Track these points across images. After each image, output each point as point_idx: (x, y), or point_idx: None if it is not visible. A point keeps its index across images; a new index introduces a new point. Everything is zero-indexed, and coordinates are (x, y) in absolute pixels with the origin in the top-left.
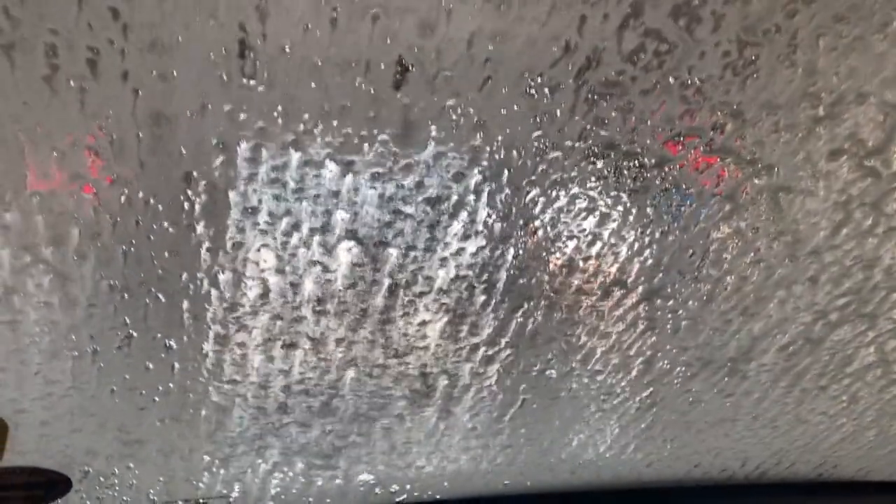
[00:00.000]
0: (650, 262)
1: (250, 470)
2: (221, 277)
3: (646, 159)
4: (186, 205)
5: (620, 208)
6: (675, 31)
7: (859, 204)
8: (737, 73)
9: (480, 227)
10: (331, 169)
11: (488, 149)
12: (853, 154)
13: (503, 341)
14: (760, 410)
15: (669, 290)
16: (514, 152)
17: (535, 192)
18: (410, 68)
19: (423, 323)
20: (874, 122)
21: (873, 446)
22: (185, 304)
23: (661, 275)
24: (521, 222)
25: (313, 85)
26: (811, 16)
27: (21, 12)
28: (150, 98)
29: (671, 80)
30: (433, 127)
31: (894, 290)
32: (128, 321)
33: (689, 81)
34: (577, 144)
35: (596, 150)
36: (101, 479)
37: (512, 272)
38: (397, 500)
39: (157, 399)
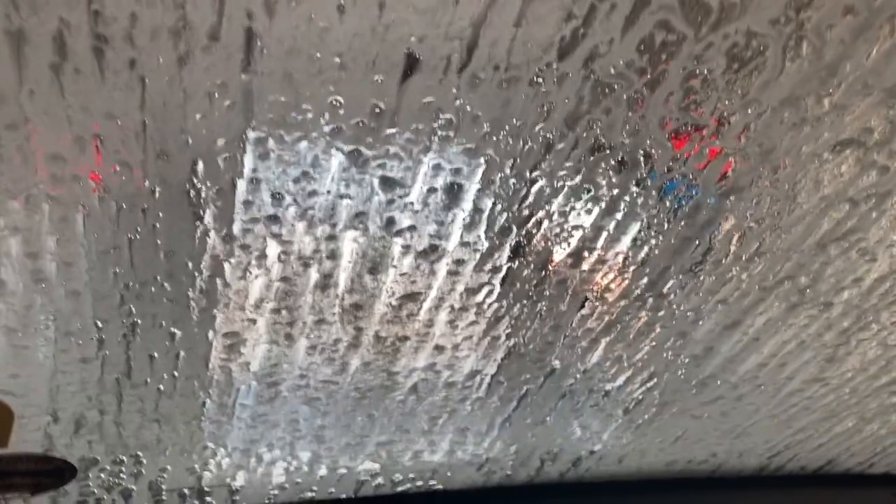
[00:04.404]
0: (654, 253)
1: (254, 459)
2: (227, 266)
3: (651, 149)
4: (193, 193)
5: (626, 199)
6: (683, 22)
7: (865, 196)
8: (744, 64)
9: (485, 217)
10: (337, 159)
11: (494, 138)
12: (859, 146)
13: (505, 332)
14: (761, 403)
15: (673, 281)
16: (521, 142)
17: (541, 182)
18: (418, 57)
19: (425, 313)
20: (880, 114)
21: (876, 439)
22: (191, 293)
23: (665, 266)
24: (526, 212)
25: (320, 73)
26: (820, 7)
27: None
28: (156, 86)
29: (679, 70)
30: (441, 116)
31: None
32: (133, 309)
33: (697, 72)
34: (583, 134)
35: (602, 140)
36: (107, 467)
37: (515, 262)
38: (399, 489)
39: (161, 388)
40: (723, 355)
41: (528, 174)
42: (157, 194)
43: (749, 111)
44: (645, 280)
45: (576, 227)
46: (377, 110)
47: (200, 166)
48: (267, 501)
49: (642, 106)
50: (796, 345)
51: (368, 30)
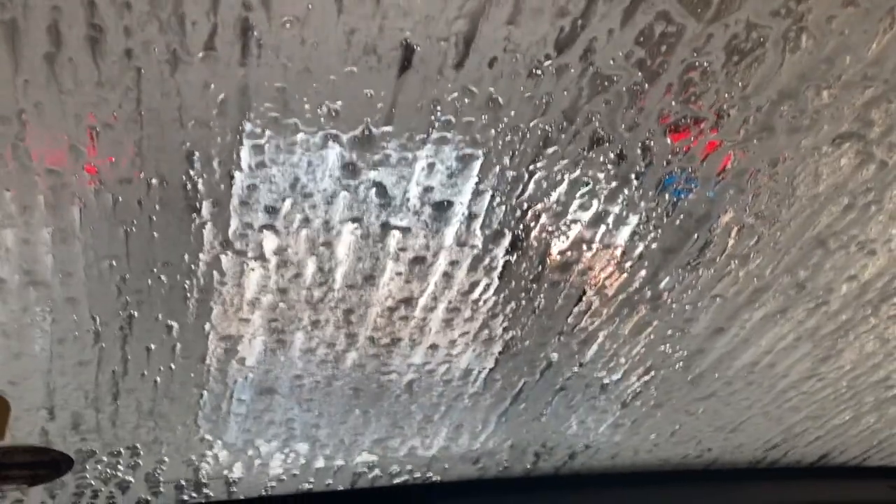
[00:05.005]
0: (653, 247)
1: (251, 451)
2: (223, 259)
3: (650, 142)
4: (189, 185)
5: (625, 192)
6: (683, 13)
7: (864, 190)
8: (744, 56)
9: (483, 211)
10: (334, 151)
11: (493, 131)
12: (859, 140)
13: (503, 326)
14: (757, 397)
15: (671, 275)
16: (519, 134)
17: (539, 175)
18: (416, 49)
19: (422, 309)
20: (880, 108)
21: (873, 432)
22: (187, 285)
23: (663, 260)
24: (524, 206)
25: (317, 65)
26: None
27: None
28: (152, 77)
29: (678, 62)
30: (438, 108)
31: None
32: (129, 301)
33: (696, 64)
34: (582, 127)
35: (601, 132)
36: (104, 459)
37: (513, 256)
38: (396, 481)
39: (158, 380)
40: (720, 350)
41: (526, 167)
42: (152, 186)
43: (749, 104)
44: (643, 274)
45: (574, 221)
46: (374, 101)
47: (196, 157)
48: (264, 493)
49: (641, 99)
50: (794, 339)
51: (366, 20)
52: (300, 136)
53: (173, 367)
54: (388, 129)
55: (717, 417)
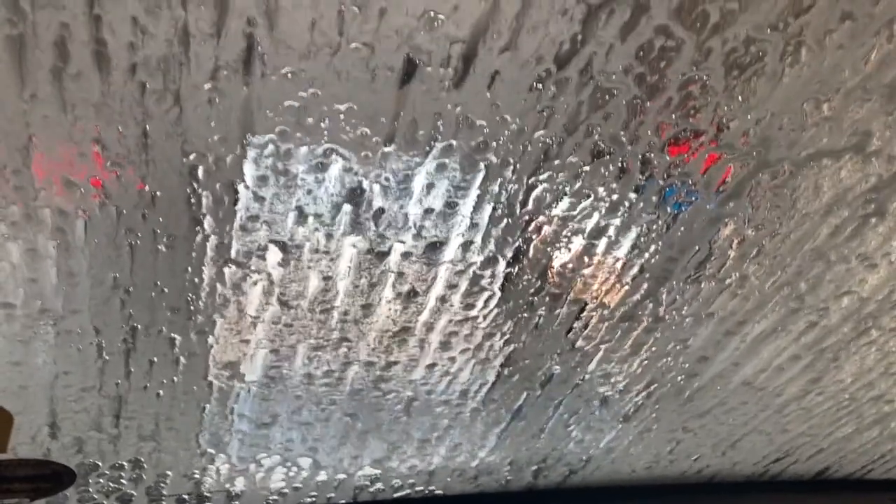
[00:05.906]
0: (654, 259)
1: (254, 464)
2: (227, 271)
3: (651, 155)
4: (193, 198)
5: (626, 205)
6: (682, 28)
7: (864, 202)
8: (743, 70)
9: (484, 224)
10: (337, 163)
11: (494, 144)
12: (858, 152)
13: (504, 339)
14: (758, 410)
15: (672, 288)
16: (521, 147)
17: (540, 188)
18: (418, 63)
19: (426, 321)
20: (879, 120)
21: (875, 445)
22: (190, 299)
23: (664, 271)
24: (525, 218)
25: (321, 79)
26: (819, 14)
27: (30, 4)
28: (157, 91)
29: (677, 76)
30: (440, 121)
31: None
32: (132, 314)
33: (696, 78)
34: (582, 140)
35: (601, 145)
36: (107, 472)
37: (514, 269)
38: (397, 494)
39: (161, 393)
40: (720, 363)
41: (527, 181)
42: (157, 199)
43: (748, 117)
44: (644, 287)
45: (575, 233)
46: (377, 115)
47: (200, 171)
48: None
49: (642, 112)
50: (794, 352)
51: (369, 35)
52: (303, 149)
53: (176, 380)
54: (393, 137)
55: (717, 432)
